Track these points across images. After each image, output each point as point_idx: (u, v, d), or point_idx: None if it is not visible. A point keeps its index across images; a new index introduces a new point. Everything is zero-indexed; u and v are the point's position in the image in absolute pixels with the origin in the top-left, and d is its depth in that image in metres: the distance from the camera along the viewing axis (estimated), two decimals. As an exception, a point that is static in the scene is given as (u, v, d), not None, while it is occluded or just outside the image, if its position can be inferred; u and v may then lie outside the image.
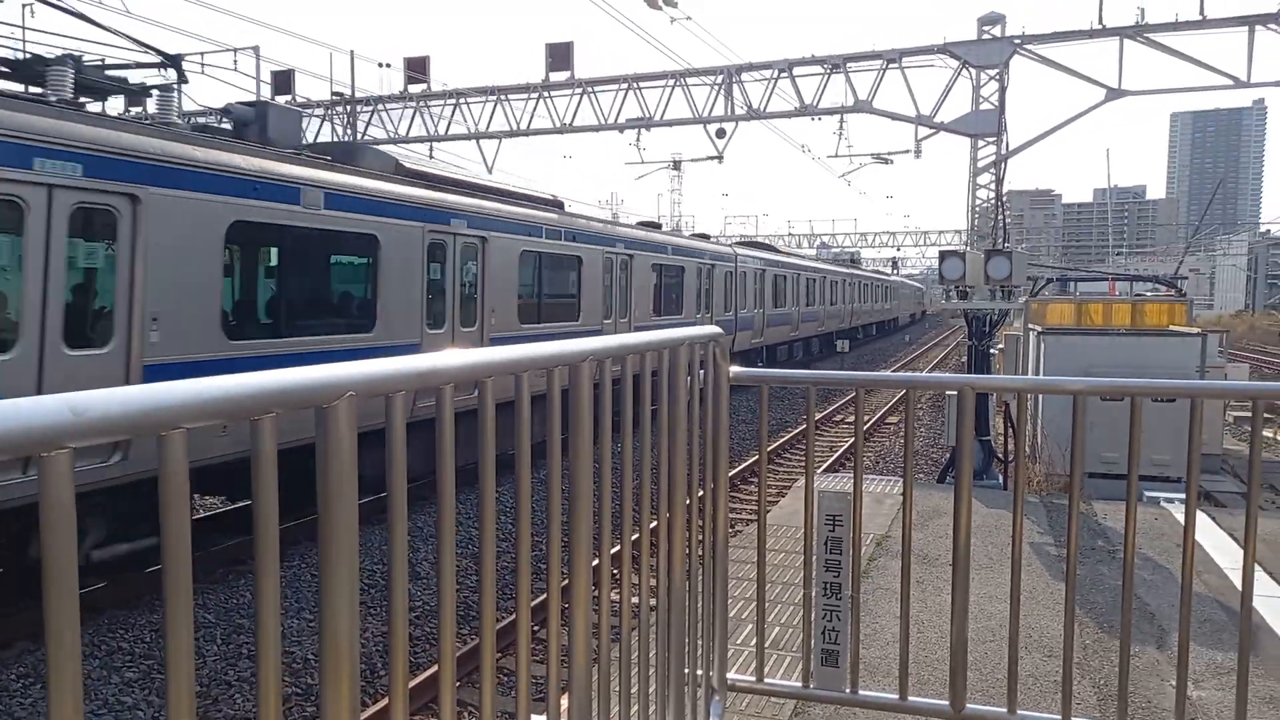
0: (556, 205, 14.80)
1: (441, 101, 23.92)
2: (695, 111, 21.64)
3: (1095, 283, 23.87)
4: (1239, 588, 2.73)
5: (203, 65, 23.49)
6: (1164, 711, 3.73)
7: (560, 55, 22.33)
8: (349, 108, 24.36)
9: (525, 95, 22.90)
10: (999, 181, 18.44)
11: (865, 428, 17.92)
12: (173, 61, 9.83)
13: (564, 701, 2.06)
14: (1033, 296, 15.88)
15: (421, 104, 24.00)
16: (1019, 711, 3.00)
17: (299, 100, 24.80)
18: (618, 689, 2.39)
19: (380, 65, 24.44)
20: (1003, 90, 18.48)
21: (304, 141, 12.42)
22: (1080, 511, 2.86)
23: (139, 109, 9.59)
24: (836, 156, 24.51)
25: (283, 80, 24.62)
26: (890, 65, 19.74)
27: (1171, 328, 13.63)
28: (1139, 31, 17.83)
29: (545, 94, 22.59)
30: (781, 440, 16.78)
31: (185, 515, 0.99)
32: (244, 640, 7.13)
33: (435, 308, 11.11)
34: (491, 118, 23.36)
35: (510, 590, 1.97)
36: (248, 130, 10.04)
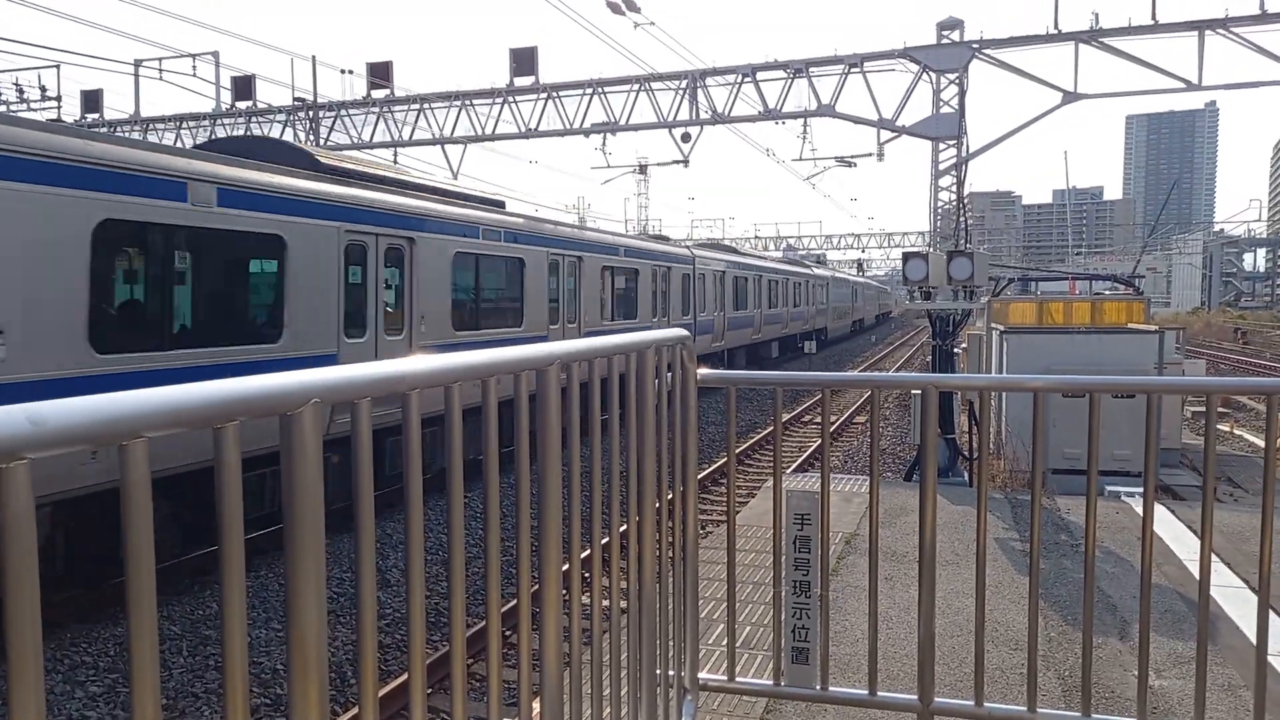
0: (496, 204, 14.15)
1: (405, 107, 23.77)
2: (660, 116, 21.70)
3: (1055, 282, 24.27)
4: (1197, 578, 2.79)
5: (160, 71, 23.18)
6: (1127, 701, 3.80)
7: (524, 60, 22.28)
8: (311, 114, 24.13)
9: (490, 100, 22.82)
10: (960, 183, 18.70)
11: (833, 427, 18.06)
12: None
13: (536, 706, 2.05)
14: (995, 296, 16.11)
15: (385, 109, 23.84)
16: (986, 704, 3.04)
17: (260, 106, 24.56)
18: (590, 692, 2.39)
19: (343, 72, 24.27)
20: (962, 94, 18.74)
21: None
22: (1043, 506, 2.91)
23: None
24: (801, 160, 24.68)
25: (243, 86, 24.36)
26: (852, 69, 19.94)
27: (1130, 325, 13.89)
28: (1093, 36, 18.17)
29: (510, 99, 22.53)
30: (751, 441, 16.87)
31: (148, 526, 0.98)
32: (211, 651, 7.02)
33: (355, 315, 10.28)
34: (456, 123, 23.26)
35: (482, 596, 1.96)
36: None
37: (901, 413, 20.65)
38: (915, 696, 3.08)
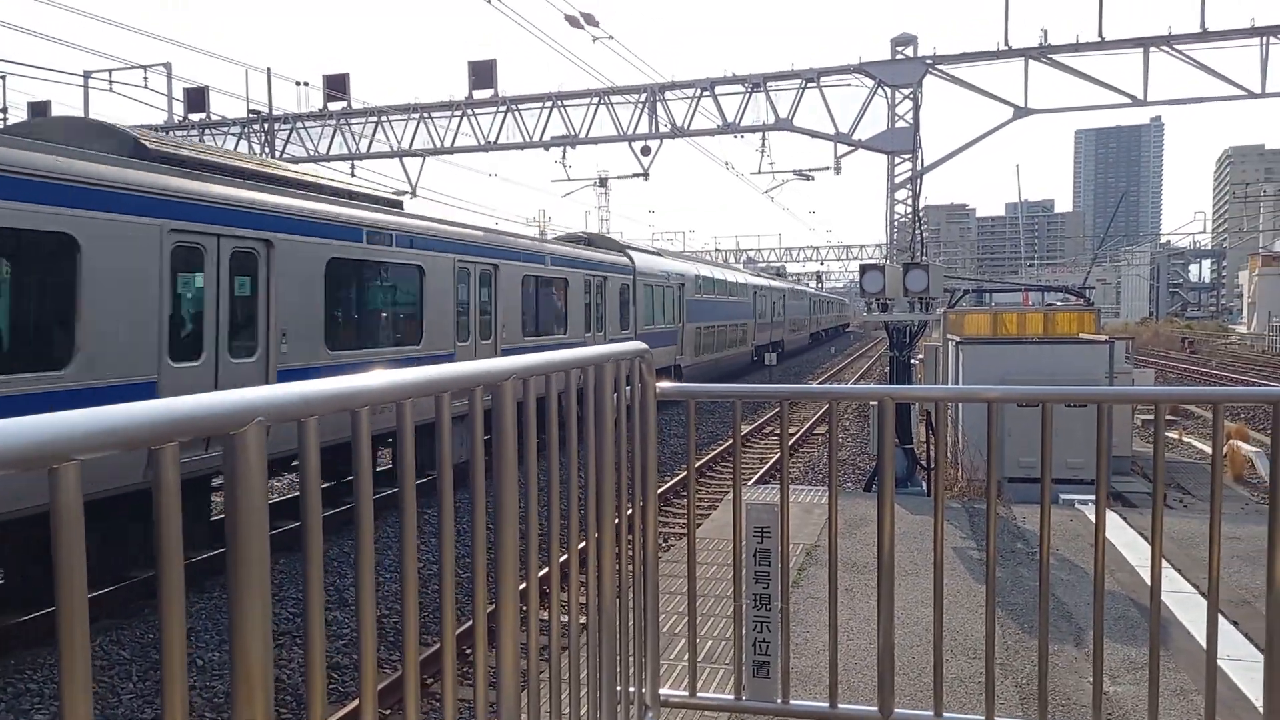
0: (391, 204, 12.69)
1: (363, 120, 23.58)
2: (620, 129, 21.77)
3: (1009, 294, 24.71)
4: (1149, 584, 2.84)
5: (110, 83, 22.76)
6: (1082, 708, 3.85)
7: (483, 73, 22.24)
8: (266, 125, 23.84)
9: (448, 113, 22.72)
10: (915, 196, 18.99)
11: (794, 439, 18.16)
12: None
13: (493, 727, 2.02)
14: (951, 308, 16.35)
15: (342, 122, 23.62)
16: (945, 714, 3.06)
17: (214, 118, 24.21)
18: (549, 710, 2.36)
19: (298, 84, 23.99)
20: (917, 108, 19.06)
21: None
22: (1000, 515, 2.94)
23: None
24: (760, 173, 24.88)
25: (196, 98, 24.01)
26: (809, 84, 20.18)
27: (1082, 335, 14.18)
28: (1043, 52, 18.60)
29: (469, 112, 22.46)
30: (712, 454, 16.90)
31: (80, 551, 0.94)
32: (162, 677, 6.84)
33: (185, 334, 8.72)
34: (414, 136, 23.12)
35: (440, 615, 1.92)
36: None
37: (861, 423, 20.83)
38: (875, 708, 3.09)
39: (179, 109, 23.99)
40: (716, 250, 77.19)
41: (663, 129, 21.48)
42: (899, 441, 11.41)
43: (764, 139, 22.77)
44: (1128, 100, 18.61)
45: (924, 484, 11.22)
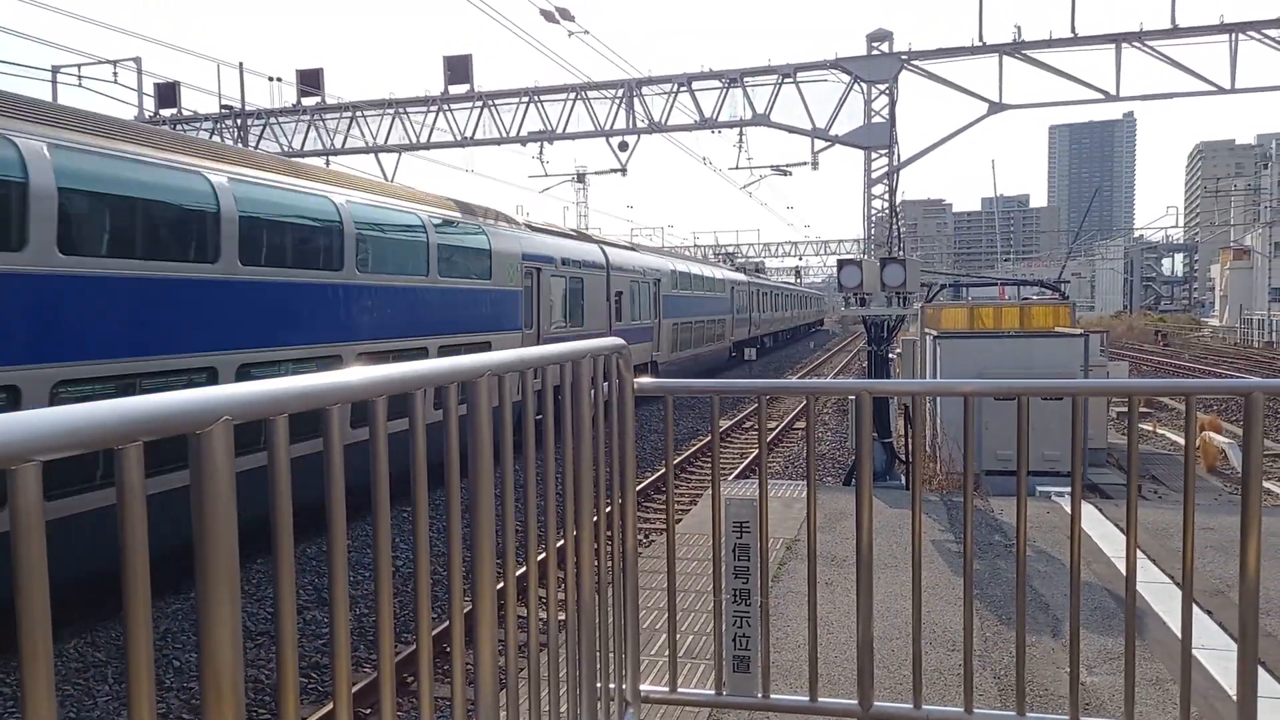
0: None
1: (337, 115, 23.34)
2: (597, 124, 21.69)
3: (986, 288, 24.88)
4: (1125, 575, 2.86)
5: (80, 78, 22.40)
6: (1060, 699, 3.88)
7: (459, 68, 22.07)
8: (239, 121, 23.57)
9: (424, 108, 22.54)
10: (892, 192, 19.06)
11: (774, 434, 18.16)
12: None
13: (471, 726, 2.00)
14: (928, 302, 16.44)
15: (316, 117, 23.38)
16: (924, 706, 3.07)
17: (185, 114, 23.91)
18: (528, 707, 2.34)
19: (271, 79, 23.73)
20: (893, 104, 19.12)
21: None
22: (977, 508, 2.95)
23: None
24: (737, 169, 24.84)
25: (167, 93, 23.70)
26: (786, 80, 20.19)
27: (1057, 329, 14.30)
28: (1017, 48, 18.71)
29: (444, 107, 22.29)
30: (692, 449, 16.91)
31: (41, 558, 0.92)
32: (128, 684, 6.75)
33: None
34: (390, 131, 22.91)
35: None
36: None
37: (841, 417, 20.91)
38: (855, 701, 3.09)
39: (150, 104, 23.68)
40: (695, 246, 77.18)
41: (640, 124, 21.42)
42: (877, 435, 11.46)
43: (741, 134, 22.77)
44: (1101, 96, 18.75)
45: (902, 477, 11.29)
